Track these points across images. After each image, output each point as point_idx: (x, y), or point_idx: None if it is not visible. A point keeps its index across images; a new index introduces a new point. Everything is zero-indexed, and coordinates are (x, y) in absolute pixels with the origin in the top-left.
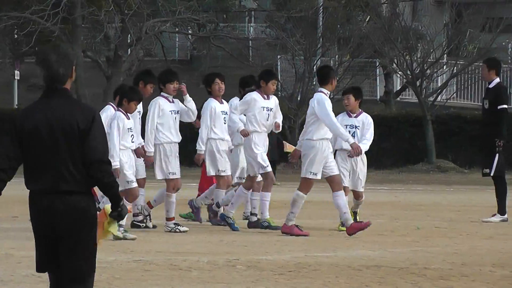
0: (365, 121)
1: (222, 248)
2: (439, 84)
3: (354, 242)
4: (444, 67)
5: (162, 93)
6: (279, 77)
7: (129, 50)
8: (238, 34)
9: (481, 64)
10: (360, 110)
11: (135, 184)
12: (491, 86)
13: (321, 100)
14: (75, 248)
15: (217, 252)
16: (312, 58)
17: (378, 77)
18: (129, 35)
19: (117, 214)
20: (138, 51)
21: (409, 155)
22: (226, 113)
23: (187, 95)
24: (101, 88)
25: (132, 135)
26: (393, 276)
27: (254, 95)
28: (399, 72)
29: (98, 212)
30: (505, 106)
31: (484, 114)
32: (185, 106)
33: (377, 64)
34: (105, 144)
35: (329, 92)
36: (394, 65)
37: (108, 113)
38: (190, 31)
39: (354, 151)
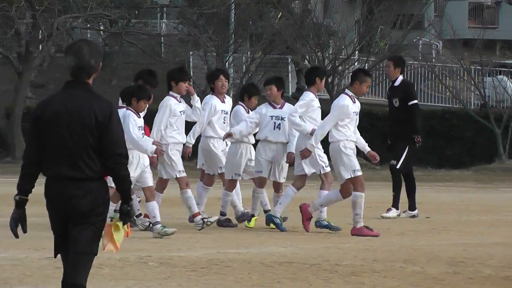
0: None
1: (134, 244)
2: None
3: (266, 239)
4: (356, 63)
5: (171, 93)
6: (191, 73)
7: (40, 46)
8: (150, 30)
9: (385, 61)
10: (283, 100)
11: (151, 183)
12: (396, 84)
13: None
14: (85, 229)
15: (129, 248)
16: (224, 55)
17: (290, 74)
18: (40, 31)
19: (126, 212)
20: (49, 47)
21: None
22: (227, 112)
23: (195, 94)
24: (12, 84)
25: (143, 133)
26: (305, 272)
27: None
28: None
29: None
30: (416, 101)
31: (393, 112)
32: (194, 105)
33: (289, 60)
34: (123, 138)
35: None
36: (306, 61)
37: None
38: (101, 27)
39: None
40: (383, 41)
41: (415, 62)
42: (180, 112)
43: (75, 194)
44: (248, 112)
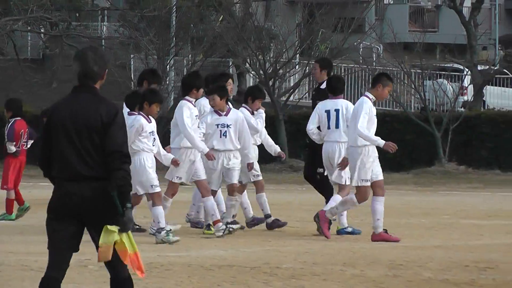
0: (238, 119)
1: None
2: (292, 84)
3: (206, 242)
4: (297, 66)
5: (186, 97)
6: (132, 76)
7: None
8: (91, 33)
9: (312, 63)
10: (228, 107)
11: (158, 189)
12: (322, 86)
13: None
14: (98, 224)
15: None
16: (165, 58)
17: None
18: None
19: (121, 214)
20: None
21: (262, 154)
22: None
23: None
24: None
25: (154, 138)
26: (245, 275)
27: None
28: (252, 72)
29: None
30: None
31: None
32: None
33: (230, 63)
34: (124, 137)
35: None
36: (247, 64)
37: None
38: (42, 30)
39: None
40: (324, 44)
41: (355, 66)
42: (196, 116)
43: (87, 194)
44: (252, 114)
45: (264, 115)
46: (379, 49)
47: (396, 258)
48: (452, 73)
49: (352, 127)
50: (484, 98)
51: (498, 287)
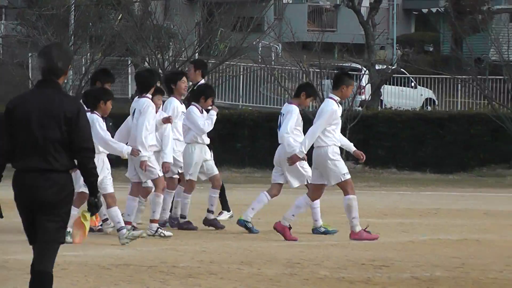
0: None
1: None
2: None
3: (104, 241)
4: None
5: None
6: (30, 75)
7: None
8: None
9: (188, 64)
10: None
11: (112, 190)
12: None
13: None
14: (51, 219)
15: None
16: None
17: (130, 76)
18: None
19: (94, 203)
20: None
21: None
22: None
23: None
24: None
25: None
26: (142, 274)
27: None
28: None
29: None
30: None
31: None
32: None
33: (129, 62)
34: (89, 132)
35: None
36: (146, 63)
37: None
38: None
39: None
40: (223, 43)
41: (254, 65)
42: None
43: (42, 185)
44: (202, 112)
45: (215, 117)
46: (278, 48)
47: (292, 257)
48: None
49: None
50: (381, 98)
51: (393, 285)
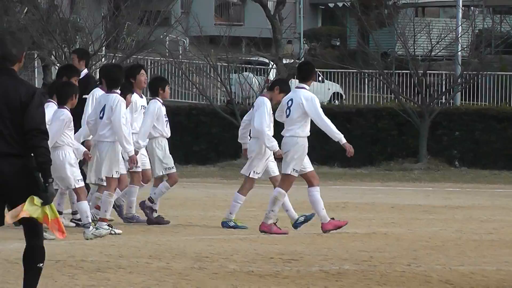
0: None
1: None
2: (98, 77)
3: (12, 235)
4: (103, 59)
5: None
6: None
7: None
8: None
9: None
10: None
11: (82, 183)
12: (80, 77)
13: (310, 97)
14: (20, 197)
15: None
16: None
17: (36, 69)
18: None
19: (43, 189)
20: None
21: None
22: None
23: None
24: None
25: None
26: (50, 268)
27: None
28: (58, 65)
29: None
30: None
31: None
32: None
33: (36, 56)
34: (42, 115)
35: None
36: (53, 57)
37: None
38: None
39: (348, 152)
40: (130, 37)
41: (162, 59)
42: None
43: (6, 170)
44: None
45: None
46: (185, 42)
47: (201, 251)
48: (257, 66)
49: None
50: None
51: (302, 278)
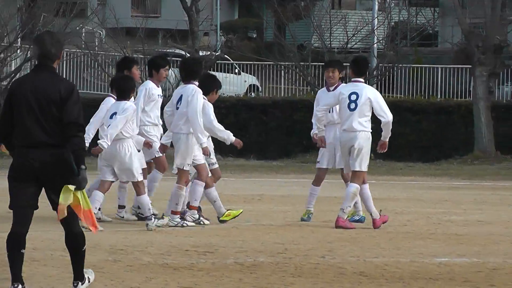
0: None
1: None
2: (13, 68)
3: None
4: (18, 51)
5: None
6: None
7: None
8: None
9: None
10: None
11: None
12: None
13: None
14: (56, 186)
15: None
16: None
17: None
18: None
19: (76, 174)
20: None
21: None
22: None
23: None
24: None
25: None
26: None
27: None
28: None
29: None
30: None
31: None
32: None
33: None
34: (79, 110)
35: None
36: None
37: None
38: None
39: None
40: (46, 28)
41: (78, 51)
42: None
43: (46, 159)
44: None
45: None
46: (102, 34)
47: (116, 243)
48: (174, 58)
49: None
50: None
51: (217, 270)
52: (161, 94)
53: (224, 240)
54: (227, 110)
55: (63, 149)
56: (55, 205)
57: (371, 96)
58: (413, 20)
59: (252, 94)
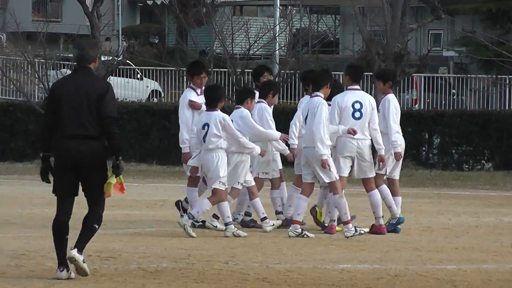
0: None
1: None
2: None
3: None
4: None
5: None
6: None
7: None
8: None
9: None
10: None
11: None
12: None
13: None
14: (92, 176)
15: None
16: None
17: None
18: None
19: (116, 165)
20: None
21: None
22: None
23: None
24: None
25: None
26: None
27: None
28: None
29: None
30: None
31: None
32: None
33: None
34: (114, 106)
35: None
36: None
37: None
38: None
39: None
40: None
41: None
42: None
43: (83, 149)
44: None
45: None
46: (2, 38)
47: (18, 248)
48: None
49: None
50: None
51: (120, 276)
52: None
53: (127, 246)
54: (129, 116)
55: (97, 140)
56: (85, 191)
57: (373, 103)
58: (315, 28)
59: (154, 99)
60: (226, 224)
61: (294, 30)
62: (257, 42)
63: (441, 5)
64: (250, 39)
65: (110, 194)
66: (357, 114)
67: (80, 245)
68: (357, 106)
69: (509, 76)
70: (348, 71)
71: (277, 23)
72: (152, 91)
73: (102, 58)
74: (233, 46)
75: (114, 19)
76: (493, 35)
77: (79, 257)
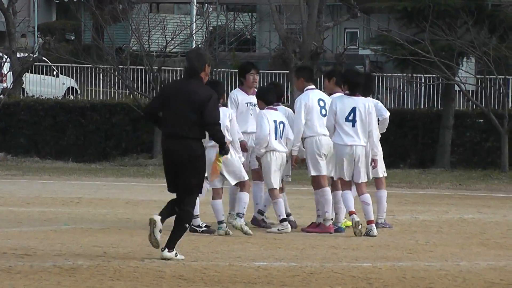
0: None
1: None
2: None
3: None
4: None
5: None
6: None
7: None
8: None
9: None
10: None
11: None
12: None
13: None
14: (188, 170)
15: None
16: None
17: None
18: None
19: (223, 150)
20: None
21: None
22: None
23: None
24: None
25: None
26: None
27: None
28: None
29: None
30: None
31: None
32: None
33: None
34: (217, 113)
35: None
36: None
37: None
38: None
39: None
40: None
41: None
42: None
43: (180, 148)
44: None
45: None
46: None
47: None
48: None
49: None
50: (23, 86)
51: (35, 273)
52: (252, 102)
53: (42, 243)
54: (44, 113)
55: (194, 140)
56: (183, 187)
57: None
58: (231, 25)
59: (71, 96)
60: (237, 214)
61: (211, 28)
62: (174, 39)
63: (356, 3)
64: (166, 36)
65: (218, 172)
66: (324, 111)
67: (171, 244)
68: (321, 103)
69: (424, 75)
70: (300, 73)
71: (194, 20)
72: (68, 88)
73: (18, 55)
74: (150, 43)
75: (30, 16)
76: (408, 33)
77: (171, 256)
